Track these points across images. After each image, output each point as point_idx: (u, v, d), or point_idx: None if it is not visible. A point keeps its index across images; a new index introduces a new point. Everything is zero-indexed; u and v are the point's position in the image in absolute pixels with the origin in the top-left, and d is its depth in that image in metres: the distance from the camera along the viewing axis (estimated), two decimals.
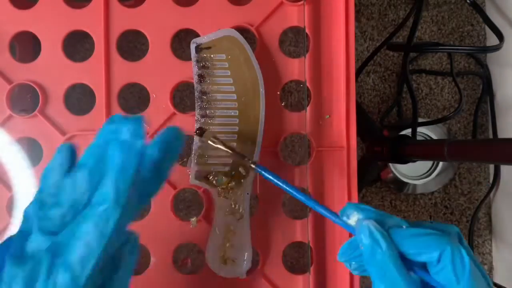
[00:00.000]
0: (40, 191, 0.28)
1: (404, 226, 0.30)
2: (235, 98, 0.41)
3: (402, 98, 0.82)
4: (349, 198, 0.42)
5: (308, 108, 0.43)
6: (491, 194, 0.82)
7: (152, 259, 0.42)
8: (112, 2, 0.43)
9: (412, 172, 0.80)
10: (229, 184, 0.41)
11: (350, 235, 0.42)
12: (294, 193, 0.34)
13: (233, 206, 0.41)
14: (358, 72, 0.78)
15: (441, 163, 0.80)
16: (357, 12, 0.82)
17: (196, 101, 0.41)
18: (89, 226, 0.26)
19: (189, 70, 0.42)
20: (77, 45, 0.46)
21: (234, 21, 0.42)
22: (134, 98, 0.66)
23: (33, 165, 0.43)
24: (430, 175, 0.80)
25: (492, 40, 0.79)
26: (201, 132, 0.39)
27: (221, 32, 0.41)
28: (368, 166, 0.74)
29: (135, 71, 0.43)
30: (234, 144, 0.41)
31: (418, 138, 0.72)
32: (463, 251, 0.29)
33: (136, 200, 0.29)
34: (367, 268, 0.30)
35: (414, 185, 0.80)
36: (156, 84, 0.43)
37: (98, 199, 0.27)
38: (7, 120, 0.43)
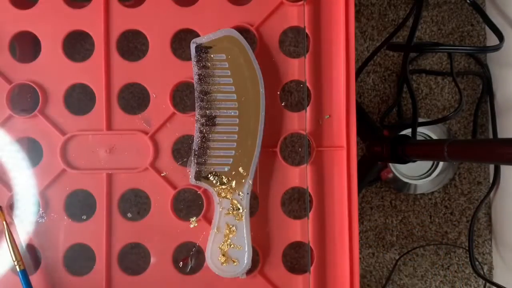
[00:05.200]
0: None
1: None
2: (235, 98, 0.41)
3: (402, 98, 0.82)
4: (349, 198, 0.42)
5: (308, 108, 0.43)
6: (491, 194, 0.82)
7: (152, 259, 0.42)
8: (112, 2, 0.43)
9: (412, 172, 0.80)
10: (229, 184, 0.41)
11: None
12: None
13: (233, 206, 0.41)
14: (358, 72, 0.78)
15: (441, 163, 0.80)
16: (357, 12, 0.82)
17: (196, 101, 0.41)
18: None
19: (189, 70, 0.42)
20: (77, 45, 0.46)
21: (234, 21, 0.42)
22: (134, 98, 0.66)
23: (33, 165, 0.43)
24: (430, 175, 0.80)
25: (492, 40, 0.79)
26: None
27: (221, 32, 0.41)
28: (368, 166, 0.74)
29: (135, 71, 0.43)
30: (234, 144, 0.41)
31: (418, 138, 0.72)
32: None
33: None
34: None
35: (414, 185, 0.80)
36: (156, 84, 0.43)
37: None
38: (7, 120, 0.43)
